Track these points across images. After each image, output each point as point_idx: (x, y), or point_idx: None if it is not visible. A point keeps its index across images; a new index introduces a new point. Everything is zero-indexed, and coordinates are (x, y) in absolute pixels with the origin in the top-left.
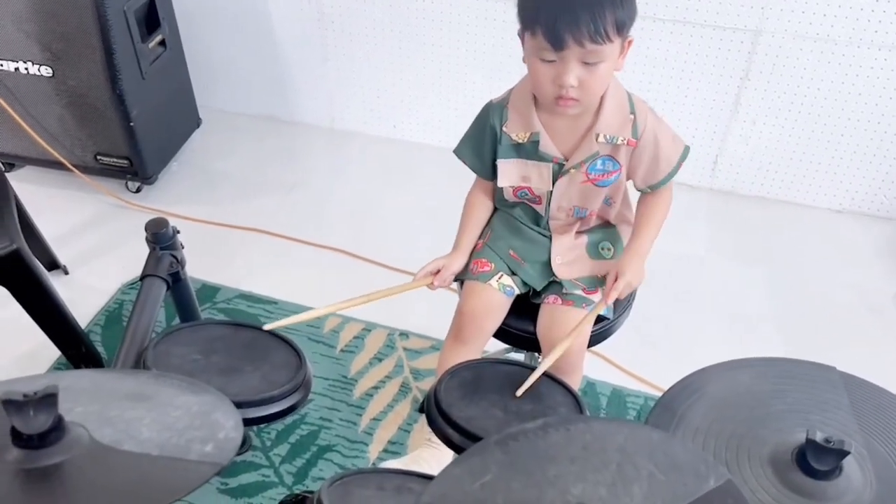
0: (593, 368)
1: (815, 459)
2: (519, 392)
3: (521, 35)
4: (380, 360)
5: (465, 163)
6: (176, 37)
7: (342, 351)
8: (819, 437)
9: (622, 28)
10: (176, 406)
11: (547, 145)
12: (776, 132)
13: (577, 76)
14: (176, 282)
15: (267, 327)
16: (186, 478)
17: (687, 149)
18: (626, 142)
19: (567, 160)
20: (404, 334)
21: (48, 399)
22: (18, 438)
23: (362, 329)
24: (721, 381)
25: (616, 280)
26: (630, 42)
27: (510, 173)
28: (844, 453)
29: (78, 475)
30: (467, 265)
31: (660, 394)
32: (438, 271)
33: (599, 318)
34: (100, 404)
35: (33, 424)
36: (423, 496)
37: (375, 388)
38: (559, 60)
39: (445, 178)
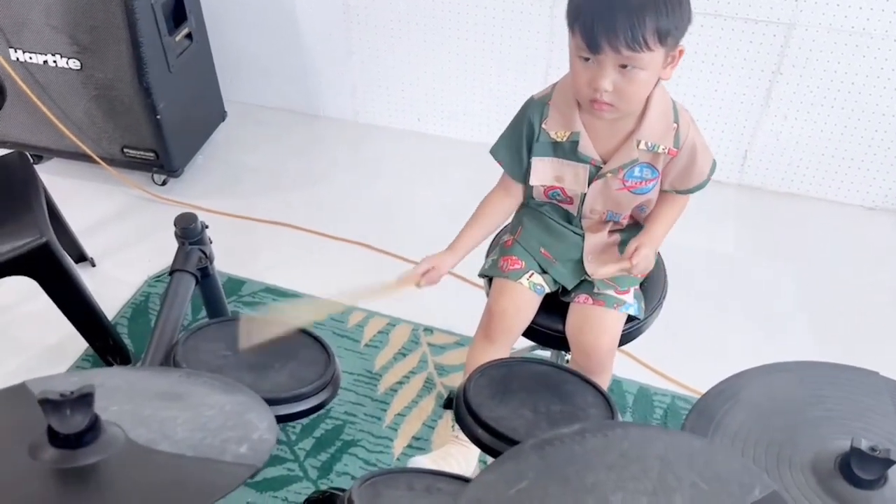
0: (620, 366)
1: (860, 468)
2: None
3: (568, 33)
4: (404, 355)
5: (500, 164)
6: (202, 30)
7: (367, 345)
8: (864, 444)
9: (665, 37)
10: (209, 405)
11: (586, 147)
12: (808, 127)
13: (613, 81)
14: (204, 277)
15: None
16: (222, 480)
17: (714, 163)
18: (666, 151)
19: (605, 163)
20: (429, 330)
21: (85, 399)
22: (55, 438)
23: (387, 324)
24: (759, 386)
25: (638, 250)
26: (681, 52)
27: (544, 172)
28: (891, 462)
29: (114, 475)
30: (496, 262)
31: (687, 393)
32: (427, 272)
33: (630, 318)
34: (134, 403)
35: (70, 424)
36: (458, 501)
37: (400, 383)
38: (596, 63)
39: (470, 172)
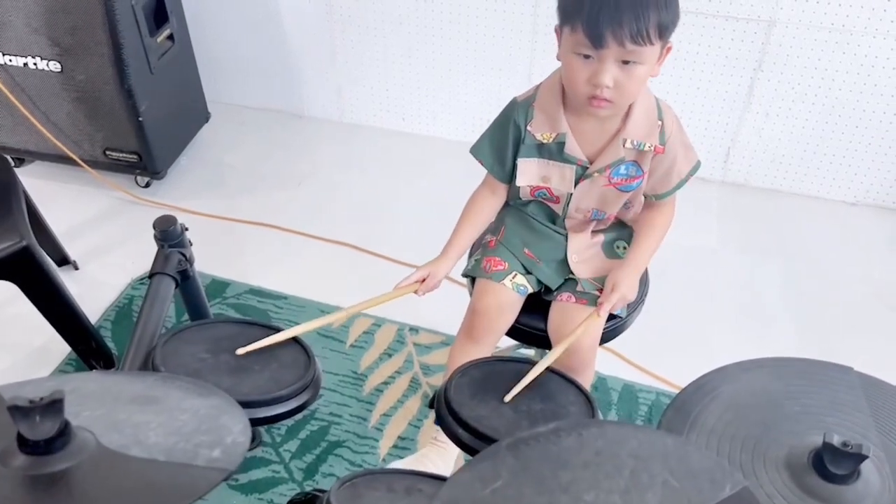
0: (604, 363)
1: (833, 463)
2: (507, 398)
3: (559, 30)
4: (390, 355)
5: (482, 164)
6: (184, 31)
7: (352, 346)
8: (836, 440)
9: (664, 31)
10: (183, 409)
11: (573, 147)
12: (790, 124)
13: (614, 77)
14: (185, 279)
15: (240, 352)
16: (194, 484)
17: (698, 163)
18: (653, 148)
19: (591, 163)
20: (414, 329)
21: (54, 405)
22: (24, 444)
23: (372, 324)
24: (736, 382)
25: (612, 291)
26: (669, 48)
27: (530, 173)
28: (863, 457)
29: (84, 481)
30: (479, 263)
31: (672, 389)
32: (424, 279)
33: (611, 316)
34: (107, 408)
35: (39, 430)
36: (434, 502)
37: (385, 383)
38: (597, 59)
39: (455, 171)
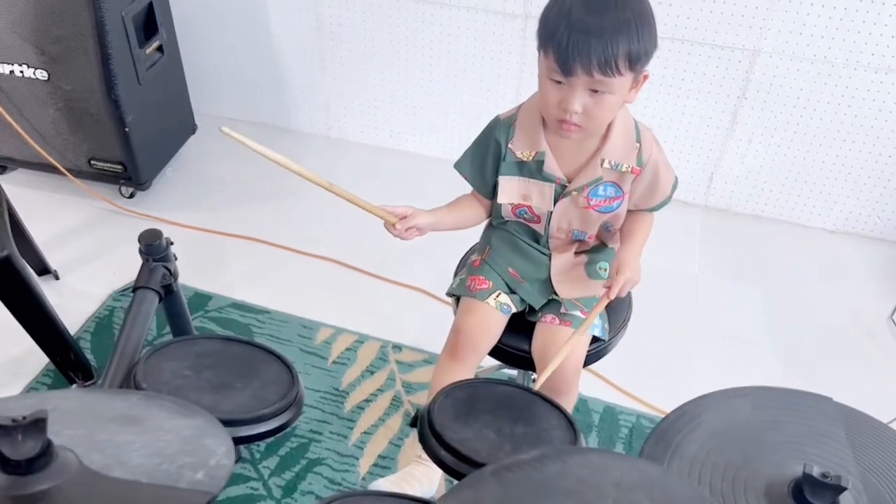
0: (586, 385)
1: (812, 494)
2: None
3: (538, 52)
4: (372, 372)
5: (465, 178)
6: (173, 43)
7: (334, 363)
8: (816, 471)
9: (636, 62)
10: (167, 430)
11: (551, 166)
12: (772, 151)
13: (583, 103)
14: (168, 294)
15: (225, 129)
16: None
17: (676, 180)
18: (630, 169)
19: (570, 182)
20: (397, 347)
21: (37, 424)
22: (6, 464)
23: (355, 341)
24: (717, 411)
25: (619, 273)
26: (646, 77)
27: (511, 191)
28: (841, 489)
29: (66, 503)
30: (464, 281)
31: (653, 412)
32: (406, 216)
33: (594, 339)
34: (88, 427)
35: (21, 450)
36: None
37: (367, 401)
38: (567, 85)
39: (442, 189)
